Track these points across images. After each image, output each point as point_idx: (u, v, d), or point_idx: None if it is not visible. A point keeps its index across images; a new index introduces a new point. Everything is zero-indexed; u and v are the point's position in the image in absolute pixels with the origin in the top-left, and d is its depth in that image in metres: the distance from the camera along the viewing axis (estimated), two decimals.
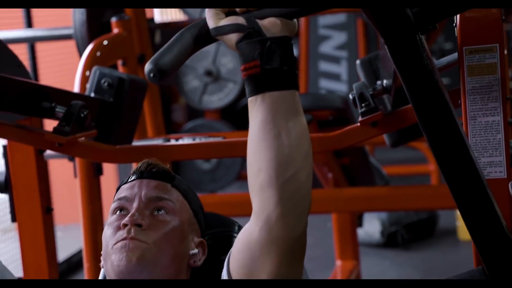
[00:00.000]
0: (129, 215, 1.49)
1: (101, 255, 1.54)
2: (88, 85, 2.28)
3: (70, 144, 2.06)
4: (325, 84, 5.61)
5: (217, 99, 5.89)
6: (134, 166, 2.54)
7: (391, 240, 4.37)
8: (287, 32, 1.24)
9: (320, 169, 3.29)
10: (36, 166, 2.31)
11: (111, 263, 1.47)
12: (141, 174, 1.58)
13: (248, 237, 1.27)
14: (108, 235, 1.51)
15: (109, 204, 1.61)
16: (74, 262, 4.52)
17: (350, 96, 1.91)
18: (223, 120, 6.22)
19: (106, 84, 2.26)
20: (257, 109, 1.21)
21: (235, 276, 1.32)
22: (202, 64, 5.83)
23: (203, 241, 1.59)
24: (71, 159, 2.73)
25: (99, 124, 2.20)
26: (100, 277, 1.67)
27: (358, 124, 1.91)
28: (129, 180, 1.59)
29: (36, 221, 2.33)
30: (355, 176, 3.36)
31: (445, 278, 1.33)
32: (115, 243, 1.48)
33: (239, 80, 5.83)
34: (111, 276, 1.49)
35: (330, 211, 3.43)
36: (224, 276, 1.35)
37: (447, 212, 4.53)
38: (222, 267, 1.65)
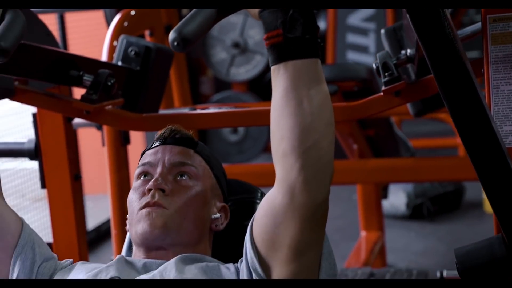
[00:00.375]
0: (153, 180, 1.53)
1: (127, 219, 1.58)
2: (115, 54, 2.31)
3: (97, 112, 2.09)
4: (352, 56, 5.58)
5: (244, 71, 5.91)
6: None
7: (417, 212, 4.38)
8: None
9: (345, 140, 3.30)
10: (65, 134, 2.36)
11: (136, 231, 1.51)
12: (164, 140, 1.61)
13: (271, 203, 1.30)
14: (133, 200, 1.54)
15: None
16: (103, 230, 4.60)
17: (374, 66, 1.91)
18: (250, 92, 6.24)
19: (133, 52, 2.29)
20: (279, 78, 1.22)
21: (258, 241, 1.34)
22: (230, 36, 5.84)
23: (225, 206, 1.62)
24: (99, 128, 2.78)
25: (126, 92, 2.23)
26: (126, 241, 1.71)
27: (381, 93, 1.92)
28: (153, 146, 1.62)
29: (65, 187, 2.38)
30: (380, 147, 3.37)
31: None
32: (140, 210, 1.51)
33: (267, 52, 5.84)
34: (136, 241, 1.53)
35: (355, 182, 3.44)
36: (247, 241, 1.37)
37: (473, 185, 4.51)
38: (245, 233, 1.68)
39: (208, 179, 1.59)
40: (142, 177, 1.57)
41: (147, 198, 1.51)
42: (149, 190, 1.52)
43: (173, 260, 1.45)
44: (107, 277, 1.43)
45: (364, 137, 3.28)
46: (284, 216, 1.28)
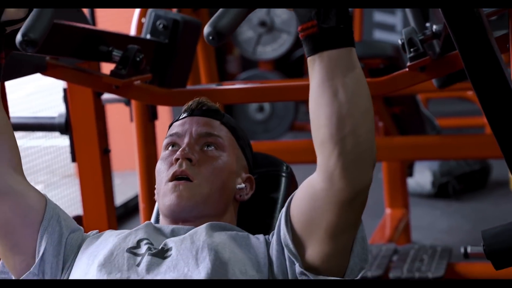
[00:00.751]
0: (180, 149, 1.56)
1: (155, 189, 1.63)
2: (144, 28, 2.34)
3: (126, 87, 2.13)
4: (379, 35, 5.56)
5: (271, 49, 5.92)
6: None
7: (442, 191, 4.38)
8: None
9: None
10: (94, 108, 2.41)
11: (163, 203, 1.55)
12: (191, 112, 1.65)
13: (311, 187, 1.33)
14: (161, 170, 1.58)
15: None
16: (131, 206, 4.66)
17: (400, 42, 1.93)
18: (277, 70, 6.25)
19: (161, 26, 2.31)
20: (315, 68, 1.25)
21: (294, 220, 1.37)
22: (257, 14, 5.84)
23: (250, 177, 1.65)
24: (128, 103, 2.82)
25: (154, 66, 2.27)
26: (154, 212, 1.76)
27: (407, 69, 1.93)
28: (180, 117, 1.66)
29: (95, 161, 2.43)
30: (405, 125, 3.38)
31: None
32: (167, 182, 1.55)
33: (293, 31, 5.84)
34: (163, 212, 1.57)
35: (380, 159, 3.45)
36: (282, 217, 1.40)
37: (500, 163, 4.50)
38: (271, 206, 1.72)
39: (234, 149, 1.63)
40: (169, 148, 1.61)
41: (174, 168, 1.55)
42: (177, 159, 1.56)
43: (203, 226, 1.49)
44: (136, 239, 1.47)
45: (389, 114, 3.30)
46: (323, 201, 1.31)
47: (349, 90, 1.24)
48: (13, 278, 1.52)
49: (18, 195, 1.47)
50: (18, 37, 1.32)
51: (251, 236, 1.49)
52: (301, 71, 6.72)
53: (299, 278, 1.37)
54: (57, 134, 4.51)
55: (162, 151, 1.63)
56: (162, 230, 1.53)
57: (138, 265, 1.41)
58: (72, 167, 5.01)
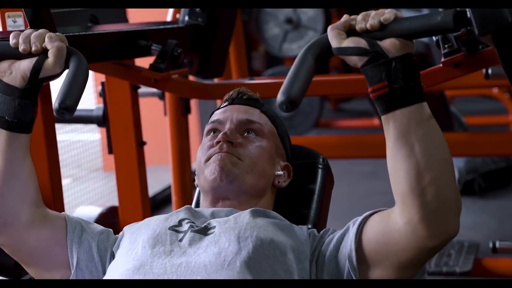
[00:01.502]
0: (221, 133, 1.62)
1: (194, 174, 1.68)
2: (181, 10, 2.37)
3: (164, 80, 2.18)
4: None
5: (297, 47, 5.95)
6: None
7: (468, 188, 4.40)
8: (407, 50, 1.31)
9: None
10: (131, 102, 2.46)
11: (204, 176, 1.60)
12: (232, 101, 1.70)
13: (391, 224, 1.36)
14: (202, 152, 1.64)
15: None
16: (158, 200, 4.71)
17: (434, 38, 1.96)
18: None
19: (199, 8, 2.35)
20: (390, 126, 1.30)
21: (365, 243, 1.39)
22: (283, 11, 5.89)
23: (288, 165, 1.70)
24: (161, 97, 2.88)
25: (193, 51, 2.29)
26: (195, 196, 1.80)
27: (441, 65, 1.97)
28: (221, 106, 1.71)
29: (131, 153, 2.49)
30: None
31: None
32: (208, 158, 1.61)
33: (320, 28, 5.87)
34: (204, 189, 1.62)
35: None
36: (352, 232, 1.41)
37: None
38: (308, 196, 1.76)
39: (273, 137, 1.68)
40: (211, 134, 1.66)
41: (215, 149, 1.60)
42: (218, 142, 1.61)
43: (247, 210, 1.53)
44: (177, 219, 1.52)
45: None
46: (401, 242, 1.35)
47: (425, 143, 1.29)
48: None
49: (41, 225, 1.52)
50: (56, 105, 1.36)
51: (294, 225, 1.53)
52: (326, 68, 6.76)
53: None
54: (85, 128, 4.59)
55: (204, 138, 1.68)
56: (202, 212, 1.58)
57: (180, 240, 1.46)
58: (100, 162, 5.09)
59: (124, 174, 2.51)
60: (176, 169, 2.86)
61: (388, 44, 1.30)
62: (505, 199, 4.34)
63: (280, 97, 1.30)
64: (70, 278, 1.52)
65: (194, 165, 1.76)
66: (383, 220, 1.38)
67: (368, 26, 1.31)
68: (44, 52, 1.43)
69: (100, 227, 1.60)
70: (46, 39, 1.42)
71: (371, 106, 6.63)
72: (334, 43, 1.33)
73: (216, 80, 2.80)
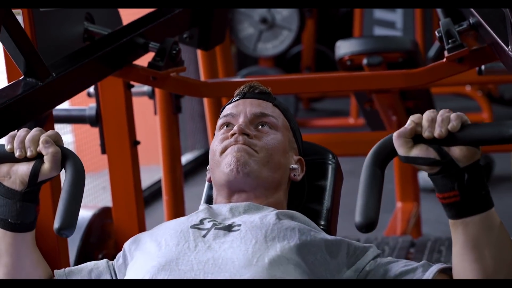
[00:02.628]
0: (237, 125, 1.60)
1: (207, 170, 1.67)
2: None
3: (162, 78, 2.15)
4: (379, 31, 5.61)
5: (271, 46, 5.95)
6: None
7: None
8: (475, 158, 1.30)
9: (384, 111, 3.36)
10: (125, 101, 2.43)
11: (220, 169, 1.57)
12: (244, 95, 1.68)
13: None
14: (216, 144, 1.62)
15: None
16: (145, 196, 4.64)
17: (437, 34, 1.97)
18: (277, 67, 6.29)
19: None
20: (459, 231, 1.32)
21: None
22: (257, 11, 5.88)
23: (301, 159, 1.69)
24: (151, 96, 2.84)
25: (194, 24, 2.26)
26: (204, 192, 1.78)
27: (444, 60, 1.97)
28: (233, 100, 1.69)
29: (125, 153, 2.45)
30: None
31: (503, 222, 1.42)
32: (223, 150, 1.59)
33: (294, 28, 5.88)
34: (220, 182, 1.59)
35: None
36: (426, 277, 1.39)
37: (503, 158, 4.57)
38: (319, 193, 1.74)
39: (286, 131, 1.67)
40: (224, 127, 1.64)
41: (231, 141, 1.58)
42: (232, 134, 1.59)
43: (272, 212, 1.51)
44: (198, 219, 1.50)
45: (404, 108, 3.34)
46: None
47: (494, 249, 1.31)
48: None
49: None
50: (56, 227, 1.36)
51: (322, 231, 1.52)
52: (298, 68, 6.77)
53: None
54: (63, 130, 4.51)
55: (216, 132, 1.66)
56: (220, 209, 1.55)
57: (204, 236, 1.44)
58: None
59: (118, 174, 2.48)
60: (167, 169, 2.83)
61: (458, 153, 1.29)
62: None
63: (359, 219, 1.28)
64: None
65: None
66: None
67: (436, 135, 1.29)
68: (39, 156, 1.43)
69: (90, 264, 1.56)
70: (41, 145, 1.42)
71: (342, 106, 6.67)
72: (401, 151, 1.31)
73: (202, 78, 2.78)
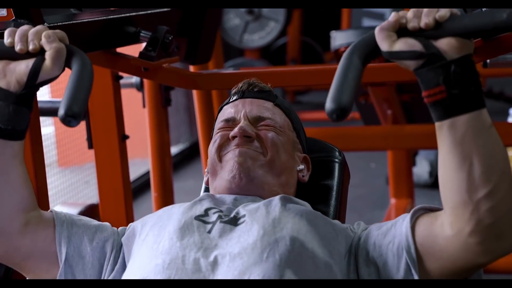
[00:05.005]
0: (238, 127, 1.49)
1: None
2: None
3: (155, 69, 2.03)
4: (368, 23, 5.53)
5: (258, 37, 5.84)
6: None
7: None
8: (466, 51, 1.19)
9: (380, 105, 3.26)
10: (113, 93, 2.30)
11: (221, 176, 1.47)
12: (243, 94, 1.57)
13: (438, 230, 1.25)
14: (216, 147, 1.51)
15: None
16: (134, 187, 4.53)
17: None
18: (263, 59, 6.17)
19: None
20: (445, 133, 1.18)
21: (418, 241, 1.28)
22: None
23: (306, 157, 1.59)
24: (140, 89, 2.72)
25: (181, 35, 2.16)
26: (203, 187, 1.67)
27: None
28: (231, 100, 1.58)
29: (113, 148, 2.33)
30: (415, 113, 3.33)
31: None
32: (224, 155, 1.48)
33: (281, 19, 5.77)
34: (221, 190, 1.48)
35: (388, 148, 3.41)
36: (405, 227, 1.29)
37: None
38: (326, 193, 1.64)
39: (289, 131, 1.57)
40: (223, 130, 1.54)
41: (232, 146, 1.48)
42: (234, 137, 1.49)
43: (277, 197, 1.41)
44: (203, 208, 1.40)
45: (399, 102, 3.25)
46: (443, 251, 1.25)
47: (483, 154, 1.18)
48: None
49: (34, 228, 1.41)
50: (61, 112, 1.22)
51: (325, 216, 1.43)
52: (283, 60, 6.66)
53: None
54: (44, 122, 4.37)
55: (214, 135, 1.55)
56: (224, 199, 1.46)
57: (209, 231, 1.34)
58: (54, 156, 4.87)
59: (106, 170, 2.35)
60: (156, 164, 2.71)
61: (445, 44, 1.18)
62: None
63: (330, 105, 1.16)
64: (58, 275, 1.39)
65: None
66: (430, 223, 1.27)
67: (422, 25, 1.18)
68: (41, 53, 1.30)
69: (94, 221, 1.47)
70: (43, 39, 1.30)
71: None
72: (384, 46, 1.20)
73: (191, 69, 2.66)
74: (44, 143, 4.76)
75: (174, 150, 5.33)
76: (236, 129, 1.49)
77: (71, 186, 4.39)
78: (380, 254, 1.32)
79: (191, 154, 5.23)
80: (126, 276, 1.35)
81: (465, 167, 1.18)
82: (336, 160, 1.69)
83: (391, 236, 1.31)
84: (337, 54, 2.86)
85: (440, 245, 1.25)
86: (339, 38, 2.86)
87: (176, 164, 5.15)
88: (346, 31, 2.92)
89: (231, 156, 1.47)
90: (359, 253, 1.35)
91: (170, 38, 2.03)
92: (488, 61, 2.26)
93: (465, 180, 1.18)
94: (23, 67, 1.31)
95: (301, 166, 1.56)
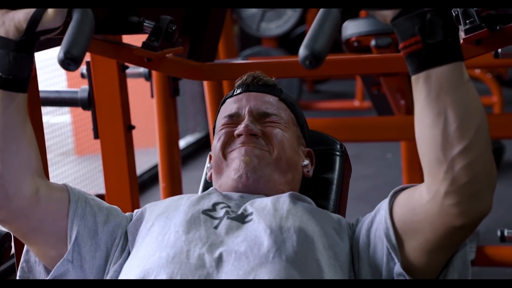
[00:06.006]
0: (243, 125, 1.47)
1: (208, 148, 1.54)
2: None
3: (158, 60, 2.01)
4: None
5: (275, 26, 5.79)
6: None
7: None
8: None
9: (393, 95, 3.22)
10: (119, 83, 2.29)
11: (227, 175, 1.45)
12: (247, 87, 1.54)
13: (415, 200, 1.23)
14: (220, 144, 1.49)
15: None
16: (144, 180, 4.53)
17: (453, 13, 1.82)
18: (280, 48, 6.13)
19: None
20: (420, 86, 1.15)
21: (396, 219, 1.26)
22: None
23: (310, 151, 1.57)
24: (148, 78, 2.70)
25: (185, 33, 2.14)
26: (201, 187, 1.65)
27: (461, 41, 1.83)
28: (235, 93, 1.55)
29: (119, 138, 2.32)
30: None
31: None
32: (230, 152, 1.46)
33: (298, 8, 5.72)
34: (226, 188, 1.46)
35: (402, 138, 3.37)
36: (384, 210, 1.29)
37: None
38: (326, 187, 1.62)
39: (294, 126, 1.55)
40: (227, 125, 1.51)
41: (237, 144, 1.46)
42: (239, 135, 1.46)
43: (285, 194, 1.40)
44: (211, 203, 1.38)
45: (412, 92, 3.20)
46: (426, 218, 1.22)
47: (458, 108, 1.14)
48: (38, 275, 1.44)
49: (46, 198, 1.38)
50: (60, 55, 1.20)
51: (332, 214, 1.41)
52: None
53: (396, 278, 1.28)
54: (61, 110, 4.39)
55: (217, 130, 1.52)
56: (231, 196, 1.44)
57: (215, 227, 1.32)
58: (71, 145, 4.89)
59: (112, 160, 2.34)
60: (164, 155, 2.70)
61: None
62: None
63: (303, 51, 1.12)
64: (66, 255, 1.37)
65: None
66: (409, 196, 1.25)
67: None
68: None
69: (106, 204, 1.45)
70: None
71: (347, 87, 6.52)
72: None
73: None
74: (60, 131, 4.76)
75: (191, 139, 5.33)
76: (241, 127, 1.47)
77: (86, 174, 4.41)
78: (369, 245, 1.31)
79: (208, 143, 5.22)
80: (129, 265, 1.33)
81: (439, 123, 1.14)
82: (337, 153, 1.66)
83: (376, 223, 1.30)
84: (348, 44, 2.82)
85: (419, 216, 1.22)
86: (350, 28, 2.82)
87: (192, 153, 5.15)
88: (357, 20, 2.88)
89: (237, 154, 1.45)
90: (355, 250, 1.33)
91: (173, 28, 2.01)
92: (499, 51, 2.21)
93: (439, 136, 1.14)
94: (22, 14, 1.29)
95: (306, 161, 1.54)
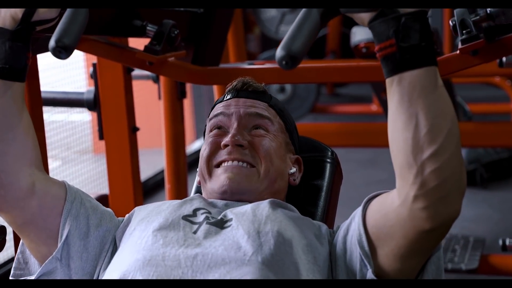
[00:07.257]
0: (230, 135, 1.48)
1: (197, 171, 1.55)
2: None
3: (160, 63, 2.04)
4: None
5: None
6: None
7: (469, 178, 4.28)
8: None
9: None
10: (124, 85, 2.33)
11: (212, 188, 1.47)
12: (237, 93, 1.56)
13: (387, 205, 1.24)
14: (207, 153, 1.50)
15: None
16: (150, 185, 4.58)
17: (451, 23, 1.83)
18: None
19: None
20: (394, 90, 1.16)
21: (369, 226, 1.28)
22: None
23: (298, 158, 1.58)
24: (156, 80, 2.73)
25: (189, 39, 2.17)
26: (194, 187, 1.67)
27: (458, 52, 1.83)
28: (225, 98, 1.57)
29: (123, 139, 2.35)
30: None
31: None
32: (216, 165, 1.48)
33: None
34: (213, 197, 1.49)
35: None
36: (358, 217, 1.30)
37: None
38: (315, 194, 1.63)
39: (282, 133, 1.55)
40: (215, 130, 1.53)
41: (223, 155, 1.47)
42: (225, 145, 1.48)
43: (265, 201, 1.41)
44: (192, 208, 1.40)
45: None
46: (397, 222, 1.22)
47: (429, 113, 1.15)
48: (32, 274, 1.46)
49: (43, 191, 1.40)
50: (52, 43, 1.23)
51: (313, 221, 1.42)
52: (323, 52, 6.62)
53: None
54: (77, 109, 4.44)
55: (206, 134, 1.55)
56: (215, 203, 1.46)
57: (194, 232, 1.34)
58: (91, 144, 4.95)
59: (116, 162, 2.38)
60: (170, 157, 2.72)
61: None
62: (508, 191, 4.23)
63: (280, 51, 1.15)
64: (54, 253, 1.39)
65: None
66: (382, 202, 1.26)
67: None
68: None
69: (101, 206, 1.47)
70: None
71: (367, 91, 6.50)
72: None
73: None
74: (79, 128, 4.78)
75: None
76: (228, 138, 1.48)
77: (101, 172, 4.45)
78: (345, 251, 1.32)
79: None
80: (110, 268, 1.36)
81: (411, 127, 1.15)
82: (328, 160, 1.67)
83: (351, 230, 1.32)
84: (357, 50, 2.83)
85: (391, 221, 1.23)
86: (358, 34, 2.83)
87: None
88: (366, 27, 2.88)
89: (222, 171, 1.47)
90: (333, 256, 1.35)
91: (176, 32, 2.03)
92: (504, 60, 2.21)
93: (410, 139, 1.15)
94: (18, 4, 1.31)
95: (293, 169, 1.55)
